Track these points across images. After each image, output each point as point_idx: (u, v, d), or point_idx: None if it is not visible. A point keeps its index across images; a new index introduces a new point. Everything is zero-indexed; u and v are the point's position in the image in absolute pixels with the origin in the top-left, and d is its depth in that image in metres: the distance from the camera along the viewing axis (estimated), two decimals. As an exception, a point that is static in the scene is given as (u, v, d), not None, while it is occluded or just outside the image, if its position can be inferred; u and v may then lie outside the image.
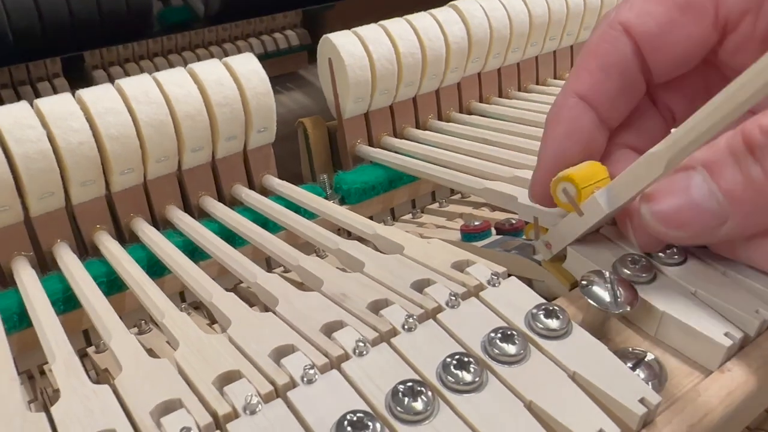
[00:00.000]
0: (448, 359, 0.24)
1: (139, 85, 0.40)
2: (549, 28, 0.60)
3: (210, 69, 0.43)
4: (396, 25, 0.51)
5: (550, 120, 0.30)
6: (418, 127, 0.55)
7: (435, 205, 0.53)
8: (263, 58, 0.98)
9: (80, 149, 0.38)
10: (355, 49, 0.49)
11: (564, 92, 0.30)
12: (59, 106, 0.38)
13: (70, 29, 0.53)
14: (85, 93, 0.39)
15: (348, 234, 0.40)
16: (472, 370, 0.24)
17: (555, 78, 0.64)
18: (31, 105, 0.38)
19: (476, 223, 0.40)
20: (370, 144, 0.52)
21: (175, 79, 0.41)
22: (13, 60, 0.66)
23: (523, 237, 0.38)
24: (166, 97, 0.40)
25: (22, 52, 0.54)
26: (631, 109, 0.30)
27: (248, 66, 0.44)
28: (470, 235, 0.39)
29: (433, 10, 0.54)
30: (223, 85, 0.42)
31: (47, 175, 0.37)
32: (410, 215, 0.51)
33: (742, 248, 0.27)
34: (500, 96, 0.60)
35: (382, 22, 0.51)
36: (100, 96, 0.39)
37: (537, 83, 0.63)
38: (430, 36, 0.52)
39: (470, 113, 0.58)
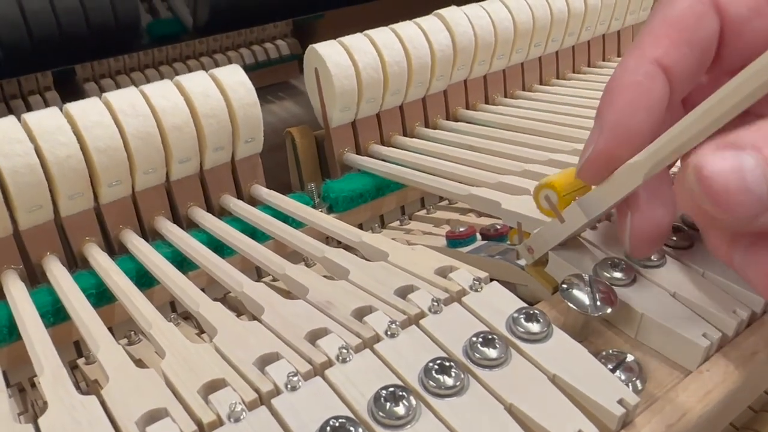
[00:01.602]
0: (430, 364, 0.24)
1: (126, 98, 0.40)
2: (533, 35, 0.60)
3: (196, 81, 0.43)
4: (381, 34, 0.52)
5: (617, 86, 0.27)
6: (405, 134, 0.55)
7: (423, 212, 0.53)
8: (254, 68, 0.99)
9: (68, 162, 0.38)
10: (340, 59, 0.49)
11: (637, 58, 0.26)
12: (47, 120, 0.38)
13: (59, 43, 0.53)
14: (72, 107, 0.39)
15: (338, 243, 0.41)
16: (453, 374, 0.24)
17: (541, 84, 0.64)
18: (19, 119, 0.38)
19: (461, 230, 0.40)
20: (358, 152, 0.53)
21: (162, 91, 0.42)
22: (2, 75, 0.66)
23: (508, 242, 0.39)
24: (152, 110, 0.41)
25: (11, 67, 0.54)
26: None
27: (234, 77, 0.44)
28: (455, 241, 0.40)
29: (417, 19, 0.54)
30: (210, 97, 0.43)
31: (35, 189, 0.38)
32: (398, 222, 0.52)
33: (739, 256, 0.24)
34: (486, 102, 0.61)
35: (367, 32, 0.52)
36: (87, 109, 0.39)
37: (523, 89, 0.63)
38: (415, 44, 0.52)
39: (457, 120, 0.58)
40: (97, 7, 0.54)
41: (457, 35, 0.55)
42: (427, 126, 0.56)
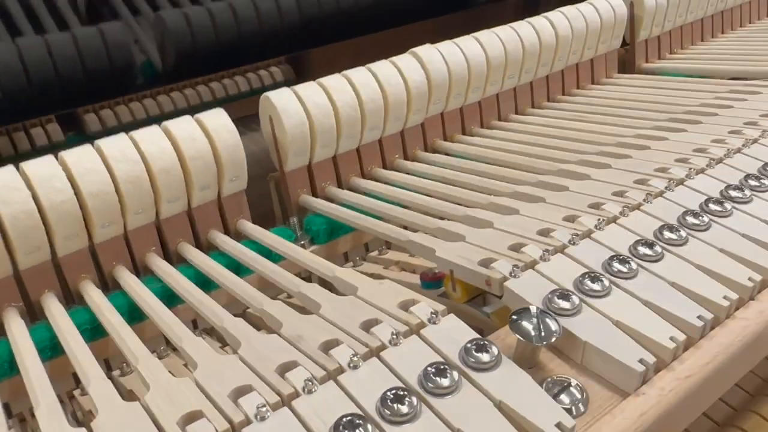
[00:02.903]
0: (387, 393, 0.27)
1: (116, 145, 0.43)
2: (506, 68, 0.63)
3: (182, 126, 0.46)
4: (334, 81, 0.53)
5: None
6: (363, 176, 0.56)
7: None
8: (249, 95, 1.02)
9: (63, 207, 0.41)
10: (292, 107, 0.50)
11: None
12: (43, 168, 0.41)
13: (58, 89, 0.56)
14: (66, 154, 0.42)
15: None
16: (406, 402, 0.27)
17: (516, 113, 0.67)
18: (17, 168, 0.41)
19: (436, 271, 0.42)
20: (314, 194, 0.54)
21: (150, 137, 0.44)
22: (3, 120, 0.69)
23: (443, 288, 0.41)
24: (142, 155, 0.44)
25: (12, 113, 0.57)
26: None
27: (218, 121, 0.47)
28: (429, 283, 0.42)
29: (393, 58, 0.57)
30: (195, 140, 0.46)
31: (33, 232, 0.40)
32: (377, 252, 0.54)
33: None
34: (463, 133, 0.63)
35: (345, 72, 0.54)
36: (81, 157, 0.42)
37: (499, 119, 0.66)
38: (391, 82, 0.55)
39: (435, 151, 0.60)
40: (93, 54, 0.57)
41: (432, 72, 0.58)
42: (385, 166, 0.57)
